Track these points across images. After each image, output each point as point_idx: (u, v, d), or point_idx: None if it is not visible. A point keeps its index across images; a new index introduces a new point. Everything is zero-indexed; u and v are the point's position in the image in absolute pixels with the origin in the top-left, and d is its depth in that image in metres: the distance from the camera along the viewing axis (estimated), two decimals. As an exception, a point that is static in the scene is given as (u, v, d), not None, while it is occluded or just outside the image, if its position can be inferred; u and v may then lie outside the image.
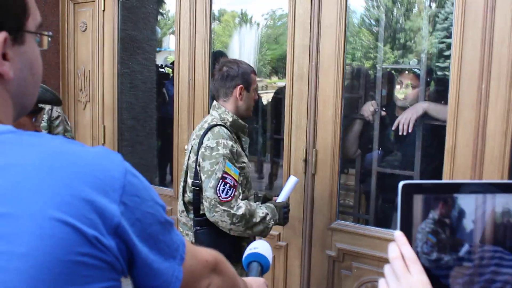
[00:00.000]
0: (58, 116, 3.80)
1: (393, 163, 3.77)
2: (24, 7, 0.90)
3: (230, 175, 2.56)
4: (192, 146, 2.73)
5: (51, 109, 3.66)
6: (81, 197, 0.78)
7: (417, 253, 0.89)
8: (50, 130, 3.77)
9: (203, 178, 2.60)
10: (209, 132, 2.65)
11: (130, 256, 0.87)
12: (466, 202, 0.89)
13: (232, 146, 2.63)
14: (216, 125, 2.68)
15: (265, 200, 2.98)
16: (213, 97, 2.90)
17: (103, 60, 4.43)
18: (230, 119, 2.75)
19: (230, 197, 2.55)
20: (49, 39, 1.00)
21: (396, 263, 0.89)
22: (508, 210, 0.90)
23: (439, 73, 4.53)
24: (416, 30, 5.81)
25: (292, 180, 3.01)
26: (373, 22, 6.44)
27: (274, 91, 6.24)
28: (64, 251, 0.76)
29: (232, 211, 2.54)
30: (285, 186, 3.02)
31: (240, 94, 2.76)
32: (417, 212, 0.89)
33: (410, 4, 6.07)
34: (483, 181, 0.88)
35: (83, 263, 0.78)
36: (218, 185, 2.54)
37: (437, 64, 4.85)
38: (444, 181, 0.82)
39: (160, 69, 5.88)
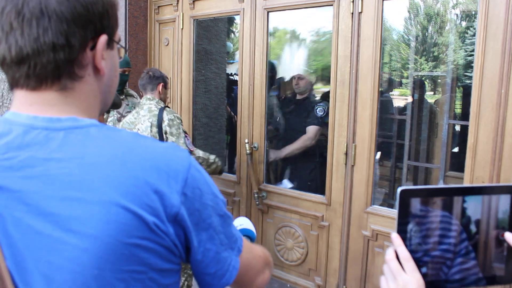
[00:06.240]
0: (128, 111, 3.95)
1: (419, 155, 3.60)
2: (117, 21, 0.91)
3: (187, 134, 3.18)
4: (151, 123, 3.05)
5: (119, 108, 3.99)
6: (146, 188, 0.76)
7: (411, 252, 0.83)
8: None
9: (173, 139, 3.02)
10: (164, 111, 3.09)
11: (187, 243, 0.84)
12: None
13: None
14: (164, 107, 3.14)
15: None
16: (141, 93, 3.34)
17: (181, 68, 4.46)
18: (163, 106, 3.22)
19: (193, 147, 3.20)
20: (126, 52, 1.02)
21: (391, 264, 0.84)
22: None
23: (467, 81, 4.31)
24: (447, 44, 5.55)
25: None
26: (410, 38, 6.22)
27: (320, 95, 6.17)
28: (126, 235, 0.74)
29: (195, 156, 3.14)
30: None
31: (162, 89, 3.26)
32: (412, 214, 0.83)
33: (443, 22, 5.82)
34: (463, 185, 0.79)
35: (142, 246, 0.76)
36: (185, 140, 3.06)
37: (465, 74, 4.61)
38: (433, 186, 0.74)
39: (230, 77, 5.88)
